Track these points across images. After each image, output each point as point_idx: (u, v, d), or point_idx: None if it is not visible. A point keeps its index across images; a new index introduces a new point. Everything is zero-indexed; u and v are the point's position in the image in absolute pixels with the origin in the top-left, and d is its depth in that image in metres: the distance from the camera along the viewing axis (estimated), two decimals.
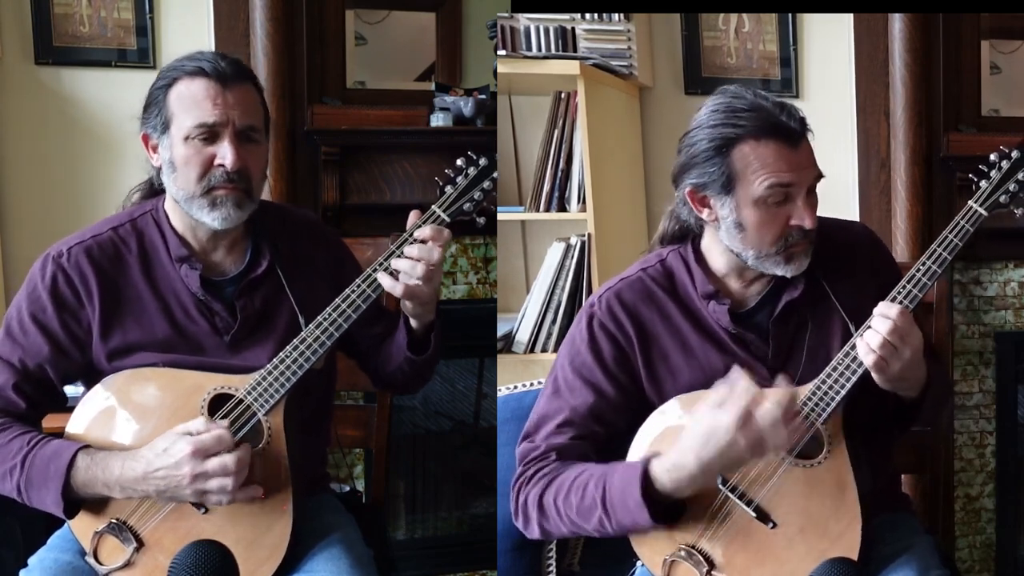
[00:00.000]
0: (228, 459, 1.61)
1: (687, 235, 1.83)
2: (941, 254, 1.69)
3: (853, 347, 1.67)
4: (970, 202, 1.72)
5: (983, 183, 1.73)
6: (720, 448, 1.57)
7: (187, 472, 1.60)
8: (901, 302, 1.67)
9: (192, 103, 1.71)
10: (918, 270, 1.69)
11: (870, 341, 1.63)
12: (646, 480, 1.62)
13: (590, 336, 1.78)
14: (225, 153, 1.71)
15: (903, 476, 2.10)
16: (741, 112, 1.67)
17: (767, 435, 1.56)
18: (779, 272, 1.72)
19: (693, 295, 1.79)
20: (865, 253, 1.85)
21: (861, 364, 1.65)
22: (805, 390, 1.68)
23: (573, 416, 1.77)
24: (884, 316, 1.64)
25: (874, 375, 1.65)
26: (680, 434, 1.67)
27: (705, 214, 1.74)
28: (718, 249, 1.78)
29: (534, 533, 1.77)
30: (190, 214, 1.76)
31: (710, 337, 1.77)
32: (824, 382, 1.67)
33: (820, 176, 1.71)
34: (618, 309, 1.78)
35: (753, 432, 1.56)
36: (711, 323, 1.77)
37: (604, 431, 1.78)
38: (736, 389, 1.58)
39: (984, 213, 1.71)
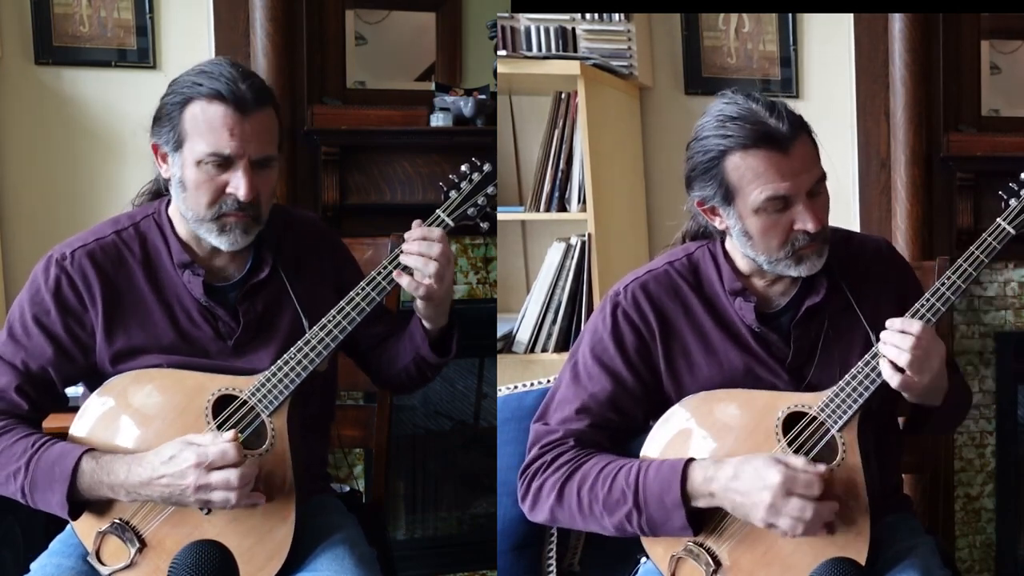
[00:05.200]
0: (232, 475, 1.60)
1: (709, 233, 1.84)
2: (967, 270, 1.70)
3: (874, 356, 1.68)
4: (999, 220, 1.73)
5: (1012, 201, 1.74)
6: (748, 490, 1.59)
7: (190, 483, 1.60)
8: (924, 315, 1.68)
9: (208, 129, 1.68)
10: (943, 284, 1.69)
11: (896, 359, 1.63)
12: (684, 481, 1.64)
13: (613, 324, 1.79)
14: (239, 184, 1.69)
15: (903, 476, 2.10)
16: (729, 121, 1.66)
17: (784, 520, 1.58)
18: (792, 273, 1.73)
19: (719, 291, 1.80)
20: (887, 266, 1.86)
21: (880, 373, 1.66)
22: (823, 397, 1.69)
23: (591, 403, 1.78)
24: (906, 332, 1.63)
25: (902, 391, 1.65)
26: (693, 433, 1.71)
27: (717, 222, 1.76)
28: (739, 251, 1.79)
29: (539, 517, 1.78)
30: (197, 233, 1.76)
31: (732, 335, 1.77)
32: (843, 389, 1.68)
33: (822, 176, 1.70)
34: (643, 300, 1.79)
35: (780, 505, 1.57)
36: (735, 321, 1.78)
37: (620, 420, 1.79)
38: (810, 470, 1.58)
39: (1012, 232, 1.72)
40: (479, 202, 1.81)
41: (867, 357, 1.69)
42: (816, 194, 1.69)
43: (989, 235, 1.71)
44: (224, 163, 1.69)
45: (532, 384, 2.09)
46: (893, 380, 1.64)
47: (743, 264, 1.80)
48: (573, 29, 2.90)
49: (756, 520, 1.60)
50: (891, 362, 1.64)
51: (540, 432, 1.80)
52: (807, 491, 1.57)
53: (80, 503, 1.67)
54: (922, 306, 1.69)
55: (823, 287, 1.76)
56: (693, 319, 1.79)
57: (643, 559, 1.85)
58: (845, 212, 3.03)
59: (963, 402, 1.87)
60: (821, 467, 1.60)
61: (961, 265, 1.70)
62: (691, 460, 1.67)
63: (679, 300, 1.80)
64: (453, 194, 1.81)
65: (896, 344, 1.63)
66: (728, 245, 1.82)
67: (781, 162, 1.65)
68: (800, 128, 1.67)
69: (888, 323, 1.66)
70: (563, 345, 2.76)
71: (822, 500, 1.58)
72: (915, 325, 1.64)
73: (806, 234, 1.68)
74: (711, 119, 1.69)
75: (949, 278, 1.70)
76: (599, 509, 1.70)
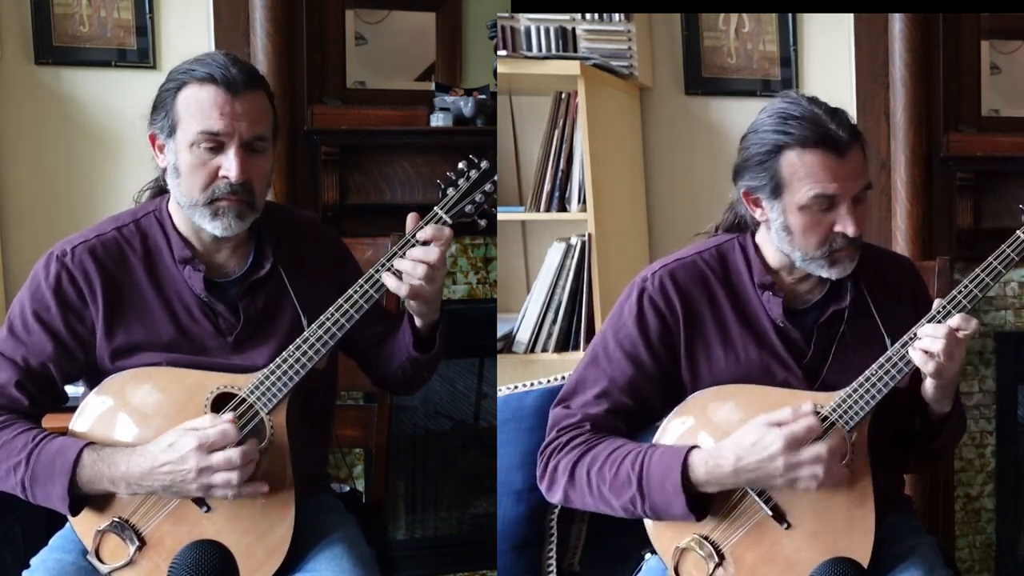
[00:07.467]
0: (233, 453, 1.61)
1: (743, 227, 1.87)
2: (984, 279, 1.73)
3: (888, 359, 1.71)
4: (1018, 232, 1.76)
5: None
6: (759, 462, 1.63)
7: (192, 466, 1.61)
8: (941, 321, 1.70)
9: (199, 110, 1.70)
10: (960, 292, 1.72)
11: (930, 347, 1.66)
12: (685, 468, 1.66)
13: (639, 310, 1.81)
14: (230, 165, 1.71)
15: (904, 476, 2.11)
16: (792, 119, 1.70)
17: (804, 471, 1.62)
18: (823, 274, 1.76)
19: (746, 283, 1.82)
20: (905, 279, 1.90)
21: (894, 377, 1.70)
22: (837, 397, 1.71)
23: (611, 387, 1.80)
24: (934, 334, 1.67)
25: (932, 378, 1.69)
26: (704, 426, 1.72)
27: (758, 214, 1.78)
28: (772, 247, 1.81)
29: (555, 498, 1.81)
30: (192, 219, 1.76)
31: (753, 330, 1.80)
32: (856, 391, 1.70)
33: (869, 186, 1.74)
34: (670, 287, 1.81)
35: (794, 462, 1.61)
36: (758, 315, 1.80)
37: (638, 406, 1.81)
38: (799, 415, 1.63)
39: None
40: (477, 199, 1.81)
41: (881, 360, 1.71)
42: (860, 201, 1.73)
43: (1008, 247, 1.75)
44: (216, 146, 1.71)
45: (532, 384, 2.09)
46: (927, 366, 1.67)
47: (773, 259, 1.82)
48: (573, 29, 2.90)
49: (778, 484, 1.64)
50: (924, 350, 1.67)
51: (559, 415, 1.82)
52: (810, 434, 1.62)
53: (80, 498, 1.67)
54: (938, 312, 1.71)
55: (849, 293, 1.79)
56: (717, 311, 1.81)
57: (647, 556, 1.86)
58: None
59: (962, 417, 1.90)
60: (808, 406, 1.64)
61: (979, 275, 1.73)
62: (693, 448, 1.69)
63: (705, 290, 1.82)
64: (451, 191, 1.81)
65: (931, 334, 1.67)
66: (759, 238, 1.84)
67: (835, 165, 1.69)
68: (856, 137, 1.72)
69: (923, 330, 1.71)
70: (563, 345, 2.76)
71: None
72: (941, 328, 1.67)
73: (845, 237, 1.72)
74: (771, 115, 1.73)
75: (967, 287, 1.73)
76: (607, 490, 1.73)
